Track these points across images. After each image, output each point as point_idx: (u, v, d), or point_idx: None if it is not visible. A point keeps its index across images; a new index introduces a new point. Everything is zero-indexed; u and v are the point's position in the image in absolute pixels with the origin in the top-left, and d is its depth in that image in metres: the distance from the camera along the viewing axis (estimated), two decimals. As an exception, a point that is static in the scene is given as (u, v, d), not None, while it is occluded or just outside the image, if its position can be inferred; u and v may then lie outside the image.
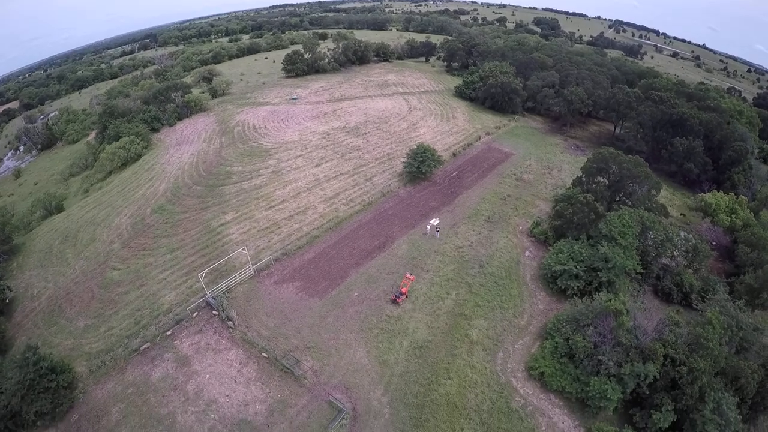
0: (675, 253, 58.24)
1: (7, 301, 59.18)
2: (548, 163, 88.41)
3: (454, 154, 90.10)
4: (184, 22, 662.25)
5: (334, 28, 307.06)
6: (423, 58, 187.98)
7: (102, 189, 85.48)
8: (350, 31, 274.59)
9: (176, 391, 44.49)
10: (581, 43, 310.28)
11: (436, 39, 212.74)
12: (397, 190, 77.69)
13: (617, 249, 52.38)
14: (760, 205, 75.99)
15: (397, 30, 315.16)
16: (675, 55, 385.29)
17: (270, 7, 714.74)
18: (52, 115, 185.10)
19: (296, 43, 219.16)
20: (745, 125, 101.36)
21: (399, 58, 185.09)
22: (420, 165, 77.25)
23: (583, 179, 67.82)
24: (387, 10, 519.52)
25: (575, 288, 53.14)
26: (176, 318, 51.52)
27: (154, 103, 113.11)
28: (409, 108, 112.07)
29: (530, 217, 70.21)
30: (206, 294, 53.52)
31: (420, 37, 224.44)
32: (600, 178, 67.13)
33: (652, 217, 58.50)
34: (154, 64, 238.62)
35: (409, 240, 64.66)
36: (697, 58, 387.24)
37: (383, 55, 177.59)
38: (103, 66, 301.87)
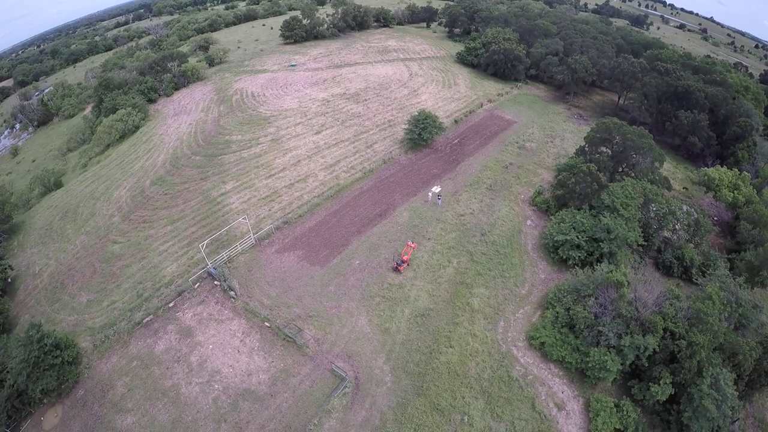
0: (677, 226, 58.06)
1: (9, 280, 59.36)
2: (551, 132, 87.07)
3: (455, 121, 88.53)
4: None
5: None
6: (424, 24, 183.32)
7: (100, 163, 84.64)
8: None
9: (180, 363, 44.92)
10: (586, 11, 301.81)
11: (438, 4, 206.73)
12: (398, 157, 76.71)
13: (619, 220, 51.97)
14: (763, 182, 75.72)
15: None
16: (682, 27, 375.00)
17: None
18: (47, 90, 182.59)
19: (294, 9, 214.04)
20: (750, 101, 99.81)
21: (399, 23, 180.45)
22: (421, 132, 76.08)
23: (586, 149, 66.99)
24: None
25: (576, 258, 52.91)
26: (178, 289, 51.60)
27: (151, 73, 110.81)
28: (410, 74, 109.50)
29: (532, 185, 69.42)
30: (208, 264, 53.42)
31: (421, 2, 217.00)
32: (603, 149, 66.28)
33: (655, 189, 57.94)
34: (149, 34, 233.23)
35: (411, 207, 64.14)
36: (704, 31, 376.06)
37: (383, 20, 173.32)
38: (97, 38, 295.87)
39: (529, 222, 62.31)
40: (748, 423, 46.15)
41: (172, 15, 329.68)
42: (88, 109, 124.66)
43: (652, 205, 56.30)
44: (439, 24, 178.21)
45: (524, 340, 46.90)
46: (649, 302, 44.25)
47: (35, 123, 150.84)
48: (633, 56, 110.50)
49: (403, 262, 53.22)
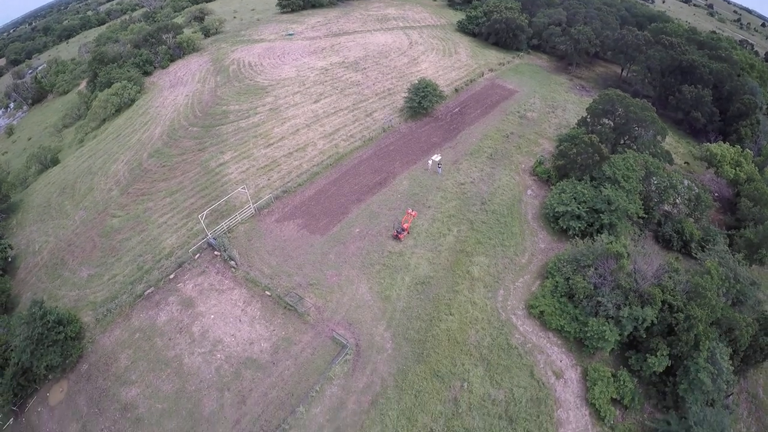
0: (677, 200, 58.05)
1: (10, 259, 59.39)
2: (552, 102, 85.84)
3: (456, 90, 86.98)
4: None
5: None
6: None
7: (97, 137, 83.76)
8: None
9: (182, 334, 45.29)
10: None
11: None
12: (398, 125, 75.72)
13: (620, 192, 51.75)
14: (766, 160, 75.27)
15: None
16: (687, 1, 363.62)
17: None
18: (40, 68, 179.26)
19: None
20: (755, 79, 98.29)
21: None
22: (421, 100, 74.90)
23: (588, 120, 66.29)
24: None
25: (577, 229, 52.80)
26: (178, 261, 51.64)
27: (145, 46, 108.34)
28: (410, 43, 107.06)
29: (533, 155, 68.68)
30: (207, 235, 53.31)
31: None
32: (605, 120, 65.58)
33: (657, 162, 57.47)
34: (142, 6, 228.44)
35: (411, 176, 63.61)
36: (711, 6, 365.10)
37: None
38: (89, 13, 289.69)
39: (529, 192, 61.82)
40: (742, 398, 46.92)
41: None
42: (83, 84, 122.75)
43: (654, 178, 56.05)
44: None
45: (523, 309, 47.08)
46: (648, 274, 44.35)
47: (30, 101, 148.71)
48: (637, 29, 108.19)
49: (403, 230, 53.03)
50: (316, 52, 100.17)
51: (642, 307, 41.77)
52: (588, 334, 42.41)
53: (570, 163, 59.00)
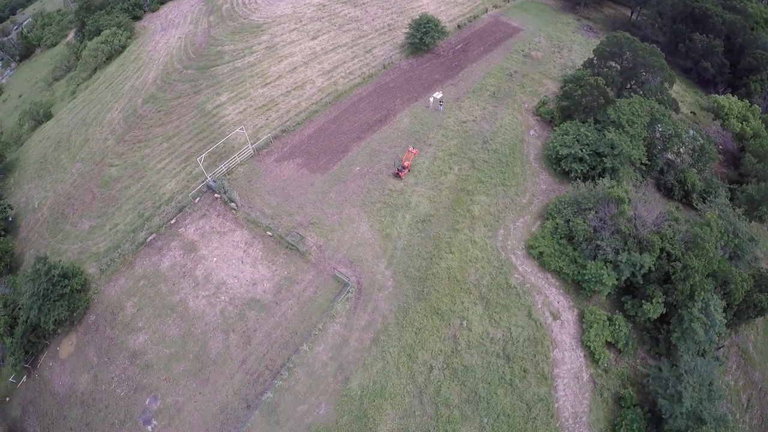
0: (681, 149, 57.36)
1: (10, 219, 59.50)
2: (558, 42, 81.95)
3: (459, 26, 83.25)
4: None
5: None
6: None
7: (89, 88, 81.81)
8: None
9: (186, 278, 45.87)
10: None
11: None
12: (399, 62, 73.08)
13: (624, 136, 50.56)
14: None
15: None
16: None
17: None
18: (26, 23, 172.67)
19: None
20: None
21: None
22: (423, 36, 71.83)
23: (595, 62, 63.67)
24: None
25: (579, 171, 52.00)
26: (179, 206, 51.53)
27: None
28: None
29: (537, 95, 66.39)
30: (207, 178, 52.80)
31: None
32: (612, 63, 63.08)
33: (663, 109, 55.68)
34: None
35: (412, 113, 62.00)
36: None
37: None
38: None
39: (532, 132, 60.28)
40: (732, 351, 47.82)
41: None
42: (71, 34, 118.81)
43: (659, 125, 54.60)
44: None
45: (523, 249, 47.03)
46: (648, 221, 44.18)
47: (17, 58, 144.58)
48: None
49: (403, 167, 52.36)
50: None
51: (640, 254, 41.84)
52: (586, 277, 42.68)
53: (574, 105, 57.43)
